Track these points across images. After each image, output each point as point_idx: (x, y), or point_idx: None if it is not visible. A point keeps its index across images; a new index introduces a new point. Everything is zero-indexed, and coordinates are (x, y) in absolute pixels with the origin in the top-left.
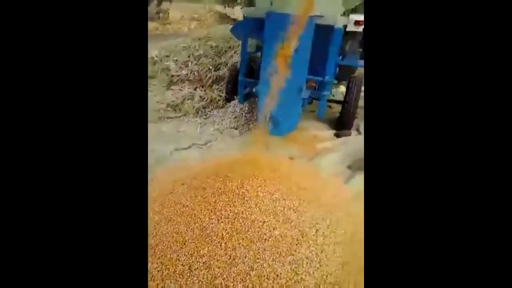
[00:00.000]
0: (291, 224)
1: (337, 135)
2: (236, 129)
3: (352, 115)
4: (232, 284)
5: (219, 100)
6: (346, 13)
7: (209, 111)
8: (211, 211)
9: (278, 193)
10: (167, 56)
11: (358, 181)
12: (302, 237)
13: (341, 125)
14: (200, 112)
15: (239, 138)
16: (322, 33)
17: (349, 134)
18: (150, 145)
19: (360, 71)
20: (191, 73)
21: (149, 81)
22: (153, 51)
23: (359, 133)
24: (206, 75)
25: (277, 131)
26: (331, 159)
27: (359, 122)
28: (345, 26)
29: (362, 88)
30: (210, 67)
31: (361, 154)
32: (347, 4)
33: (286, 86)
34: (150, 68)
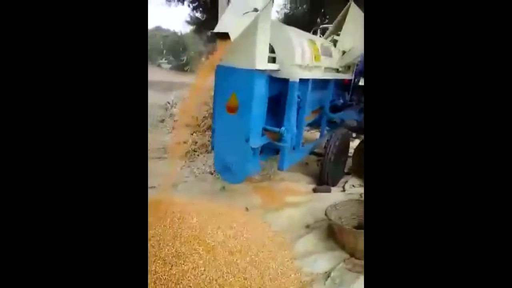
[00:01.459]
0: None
1: (315, 190)
2: (211, 174)
3: (329, 171)
4: None
5: (208, 145)
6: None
7: (197, 155)
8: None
9: (211, 239)
10: (177, 103)
11: (307, 241)
12: None
13: (319, 180)
14: (189, 155)
15: (210, 183)
16: (279, 86)
17: (329, 191)
18: None
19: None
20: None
21: (159, 124)
22: (169, 97)
23: (343, 190)
24: (203, 121)
25: (229, 178)
26: (291, 215)
27: (350, 179)
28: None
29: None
30: (207, 114)
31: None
32: (343, 61)
33: (236, 136)
34: (161, 113)
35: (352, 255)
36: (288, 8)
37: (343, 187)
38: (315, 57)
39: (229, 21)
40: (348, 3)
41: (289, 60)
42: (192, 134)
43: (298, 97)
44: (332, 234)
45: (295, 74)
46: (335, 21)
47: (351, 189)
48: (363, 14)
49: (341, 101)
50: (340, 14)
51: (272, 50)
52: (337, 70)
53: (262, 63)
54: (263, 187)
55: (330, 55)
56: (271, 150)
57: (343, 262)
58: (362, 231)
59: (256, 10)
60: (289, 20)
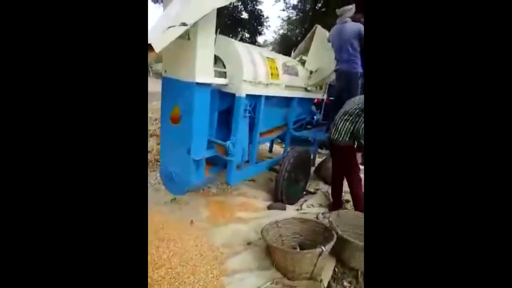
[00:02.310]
0: None
1: (269, 207)
2: None
3: (283, 188)
4: None
5: None
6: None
7: (159, 165)
8: None
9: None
10: None
11: (243, 259)
12: None
13: (275, 198)
14: (151, 164)
15: (163, 194)
16: (229, 100)
17: (283, 209)
18: None
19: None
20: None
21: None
22: None
23: (299, 209)
24: None
25: (172, 189)
26: (236, 231)
27: (311, 198)
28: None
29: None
30: None
31: None
32: (311, 81)
33: (179, 147)
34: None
35: (284, 275)
36: (285, 29)
37: (301, 206)
38: (272, 75)
39: (154, 33)
40: (314, 27)
41: (238, 76)
42: (158, 144)
43: (250, 112)
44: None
45: (242, 90)
46: (302, 43)
47: (308, 208)
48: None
49: (314, 119)
50: (307, 36)
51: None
52: (306, 89)
53: (203, 76)
54: (217, 201)
55: (295, 74)
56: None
57: (273, 282)
58: (294, 250)
59: (184, 24)
60: (285, 39)
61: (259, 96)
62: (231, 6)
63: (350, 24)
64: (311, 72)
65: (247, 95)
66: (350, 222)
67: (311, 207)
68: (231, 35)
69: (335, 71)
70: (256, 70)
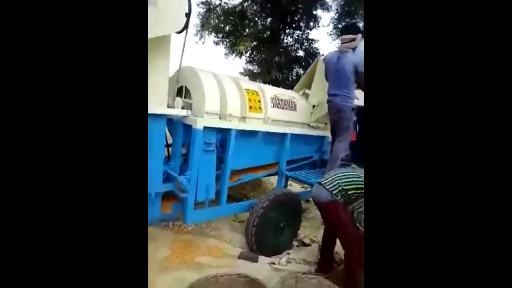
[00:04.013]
0: None
1: (239, 256)
2: None
3: (255, 236)
4: None
5: None
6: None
7: None
8: None
9: None
10: None
11: None
12: None
13: (249, 248)
14: None
15: None
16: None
17: (255, 260)
18: None
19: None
20: None
21: None
22: None
23: (275, 264)
24: None
25: None
26: (180, 279)
27: (297, 251)
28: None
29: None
30: None
31: None
32: (314, 116)
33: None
34: None
35: None
36: None
37: (280, 259)
38: (250, 108)
39: None
40: (316, 59)
41: (200, 107)
42: None
43: (216, 146)
44: None
45: (198, 122)
46: (304, 75)
47: (289, 264)
48: None
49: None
50: (310, 68)
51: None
52: (309, 125)
53: (155, 107)
54: (185, 240)
55: (291, 108)
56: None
57: None
58: None
59: None
60: None
61: (228, 130)
62: (285, 44)
63: (350, 54)
64: (314, 107)
65: (211, 128)
66: None
67: (292, 263)
68: (285, 72)
69: (327, 102)
70: (226, 102)
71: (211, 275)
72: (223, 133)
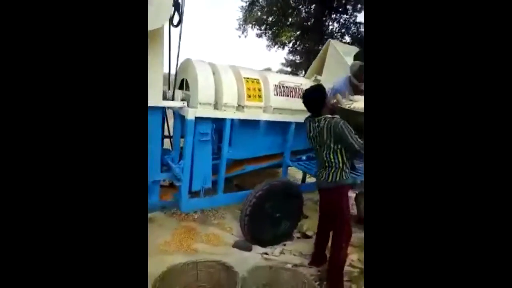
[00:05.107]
0: None
1: (234, 244)
2: None
3: (248, 225)
4: None
5: None
6: None
7: None
8: None
9: None
10: None
11: None
12: None
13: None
14: None
15: None
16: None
17: (248, 249)
18: None
19: None
20: None
21: None
22: None
23: (267, 254)
24: None
25: None
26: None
27: (295, 243)
28: None
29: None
30: None
31: None
32: None
33: None
34: None
35: None
36: None
37: (274, 250)
38: (249, 96)
39: None
40: (327, 42)
41: (193, 98)
42: None
43: (212, 136)
44: None
45: (190, 112)
46: (315, 60)
47: (282, 255)
48: (342, 52)
49: None
50: (320, 53)
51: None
52: None
53: (152, 100)
54: (188, 227)
55: (299, 96)
56: None
57: None
58: None
59: None
60: None
61: (223, 120)
62: (330, 30)
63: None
64: None
65: (205, 118)
66: (262, 281)
67: (285, 254)
68: None
69: None
70: (221, 92)
71: (190, 261)
72: (219, 123)
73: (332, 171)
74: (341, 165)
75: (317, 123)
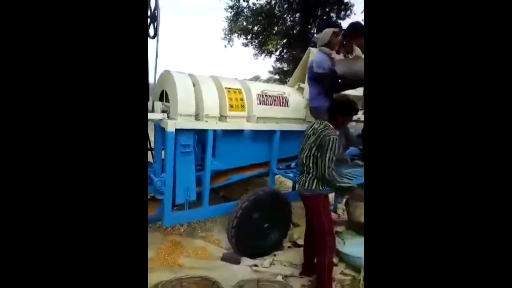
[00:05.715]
0: None
1: (222, 257)
2: None
3: (235, 236)
4: None
5: None
6: None
7: None
8: None
9: None
10: None
11: None
12: None
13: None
14: None
15: None
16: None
17: (237, 262)
18: None
19: None
20: None
21: None
22: None
23: (256, 266)
24: None
25: None
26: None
27: (286, 253)
28: None
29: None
30: None
31: None
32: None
33: None
34: None
35: None
36: None
37: (264, 261)
38: (231, 107)
39: None
40: (308, 50)
41: (173, 110)
42: None
43: (195, 149)
44: None
45: (169, 124)
46: (297, 69)
47: (273, 266)
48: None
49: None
50: (302, 61)
51: None
52: (305, 120)
53: None
54: (173, 241)
55: (283, 104)
56: None
57: None
58: None
59: None
60: None
61: (205, 131)
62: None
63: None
64: None
65: (186, 130)
66: None
67: (276, 265)
68: None
69: None
70: (202, 102)
71: (175, 278)
72: (202, 133)
73: (309, 177)
74: (316, 174)
75: (318, 125)
